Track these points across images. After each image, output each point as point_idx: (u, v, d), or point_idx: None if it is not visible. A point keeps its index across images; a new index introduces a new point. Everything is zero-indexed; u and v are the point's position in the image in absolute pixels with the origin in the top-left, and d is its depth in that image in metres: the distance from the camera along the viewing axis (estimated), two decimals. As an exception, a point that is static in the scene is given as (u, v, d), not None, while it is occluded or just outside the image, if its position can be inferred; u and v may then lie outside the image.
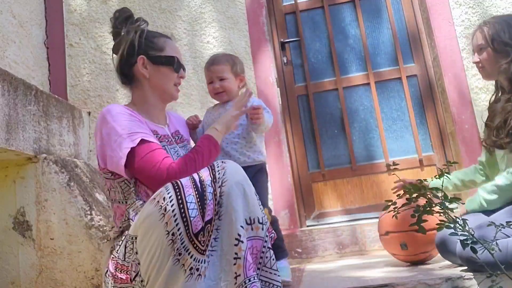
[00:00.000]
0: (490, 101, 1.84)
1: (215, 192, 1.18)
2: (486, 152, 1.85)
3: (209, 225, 1.16)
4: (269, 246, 1.25)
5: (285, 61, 3.16)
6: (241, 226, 1.17)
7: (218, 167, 1.25)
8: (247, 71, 2.92)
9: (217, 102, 1.94)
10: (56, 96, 2.57)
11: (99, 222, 2.08)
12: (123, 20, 1.61)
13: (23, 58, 2.81)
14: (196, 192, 1.18)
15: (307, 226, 2.90)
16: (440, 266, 1.74)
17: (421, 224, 1.19)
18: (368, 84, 3.07)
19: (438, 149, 2.93)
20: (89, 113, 3.01)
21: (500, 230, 1.30)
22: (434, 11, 2.94)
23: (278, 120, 2.89)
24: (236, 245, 1.15)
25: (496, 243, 1.33)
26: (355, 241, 2.67)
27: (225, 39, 3.06)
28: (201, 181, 1.21)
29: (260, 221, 1.21)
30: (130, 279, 1.27)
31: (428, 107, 2.99)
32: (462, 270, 1.56)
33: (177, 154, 1.54)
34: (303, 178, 2.99)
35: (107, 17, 3.16)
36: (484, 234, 1.40)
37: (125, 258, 1.31)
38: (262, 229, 1.21)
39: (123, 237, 1.36)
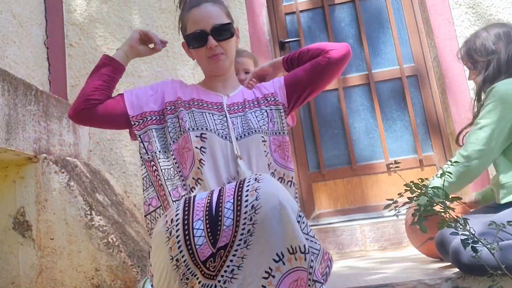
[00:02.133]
0: (473, 103, 1.94)
1: (237, 219, 1.06)
2: None
3: (222, 251, 1.06)
4: (317, 278, 1.06)
5: (285, 61, 3.16)
6: (274, 260, 1.03)
7: (248, 187, 1.10)
8: (247, 71, 2.92)
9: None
10: (56, 96, 2.57)
11: (99, 222, 2.08)
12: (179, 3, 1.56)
13: (23, 58, 2.81)
14: (208, 217, 1.09)
15: (307, 226, 2.89)
16: (440, 266, 1.74)
17: None
18: (368, 84, 3.07)
19: (438, 149, 2.93)
20: (89, 113, 3.01)
21: (502, 230, 1.30)
22: (434, 11, 2.94)
23: (278, 120, 2.89)
24: (265, 278, 1.03)
25: (498, 242, 1.33)
26: (355, 241, 2.67)
27: (225, 39, 3.05)
28: (218, 204, 1.10)
29: (303, 250, 1.04)
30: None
31: (428, 107, 2.99)
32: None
33: (212, 121, 1.40)
34: (303, 178, 2.99)
35: (107, 17, 3.17)
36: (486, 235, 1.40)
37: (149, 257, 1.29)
38: (305, 259, 1.04)
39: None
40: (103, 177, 2.67)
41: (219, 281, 1.05)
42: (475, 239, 1.17)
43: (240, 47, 3.03)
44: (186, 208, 1.11)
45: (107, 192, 2.50)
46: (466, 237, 1.19)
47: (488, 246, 1.18)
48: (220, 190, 1.14)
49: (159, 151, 1.39)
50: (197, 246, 1.06)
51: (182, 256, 1.06)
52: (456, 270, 1.57)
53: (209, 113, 1.42)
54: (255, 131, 1.39)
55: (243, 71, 1.86)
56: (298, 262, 1.03)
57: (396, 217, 1.49)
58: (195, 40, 1.44)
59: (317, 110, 3.08)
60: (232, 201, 1.08)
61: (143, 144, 1.41)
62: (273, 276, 1.02)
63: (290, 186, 1.43)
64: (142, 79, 3.03)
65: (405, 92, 3.02)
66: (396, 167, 1.34)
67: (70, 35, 3.17)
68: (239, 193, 1.09)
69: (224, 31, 1.44)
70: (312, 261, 1.05)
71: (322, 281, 1.07)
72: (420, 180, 1.20)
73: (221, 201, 1.10)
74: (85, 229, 2.07)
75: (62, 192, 2.11)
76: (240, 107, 1.47)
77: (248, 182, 1.11)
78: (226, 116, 1.42)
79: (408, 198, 1.27)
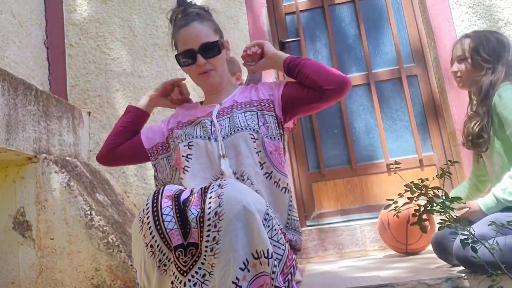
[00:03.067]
0: (467, 112, 1.90)
1: (201, 225, 1.07)
2: (475, 160, 1.93)
3: (193, 248, 1.07)
4: (279, 284, 1.05)
5: (285, 61, 3.16)
6: (240, 268, 1.03)
7: (211, 193, 1.11)
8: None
9: None
10: (56, 96, 2.57)
11: (99, 222, 2.08)
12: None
13: (23, 58, 2.81)
14: (177, 207, 1.11)
15: (307, 226, 2.90)
16: (440, 266, 1.74)
17: None
18: (368, 84, 3.07)
19: (438, 149, 2.93)
20: (89, 113, 3.01)
21: (500, 230, 1.30)
22: (434, 11, 2.94)
23: (278, 120, 2.89)
24: None
25: (497, 242, 1.33)
26: (355, 241, 2.67)
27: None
28: (185, 200, 1.13)
29: (266, 254, 1.04)
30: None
31: (428, 107, 2.99)
32: (461, 271, 1.56)
33: (200, 129, 1.47)
34: (303, 178, 2.99)
35: (107, 17, 3.17)
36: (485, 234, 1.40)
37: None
38: (268, 264, 1.04)
39: None
40: (103, 177, 2.67)
41: (189, 280, 1.05)
42: (475, 238, 1.17)
43: (240, 47, 3.04)
44: (155, 197, 1.14)
45: (107, 192, 2.50)
46: (455, 230, 1.19)
47: (487, 245, 1.18)
48: (191, 191, 1.18)
49: (167, 177, 1.52)
50: (167, 230, 1.08)
51: (155, 241, 1.09)
52: (456, 270, 1.57)
53: (199, 123, 1.50)
54: (242, 128, 1.42)
55: (233, 75, 1.97)
56: (262, 267, 1.04)
57: (396, 217, 1.49)
58: (185, 59, 1.52)
59: (317, 110, 3.08)
60: (199, 203, 1.11)
61: (156, 173, 1.56)
62: (240, 287, 1.02)
63: (285, 193, 1.42)
64: (142, 79, 3.03)
65: (405, 92, 3.02)
66: (396, 167, 1.34)
67: (70, 35, 3.17)
68: (204, 199, 1.11)
69: (212, 49, 1.51)
70: (275, 266, 1.05)
71: (283, 287, 1.07)
72: (420, 181, 1.20)
73: (189, 199, 1.13)
74: (85, 229, 2.07)
75: (62, 192, 2.11)
76: (229, 109, 1.52)
77: (212, 188, 1.12)
78: (212, 120, 1.48)
79: (408, 198, 1.27)
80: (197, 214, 1.08)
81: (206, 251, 1.06)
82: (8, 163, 2.14)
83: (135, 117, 1.66)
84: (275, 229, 1.14)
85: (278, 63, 1.54)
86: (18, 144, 2.02)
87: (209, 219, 1.06)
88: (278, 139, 1.46)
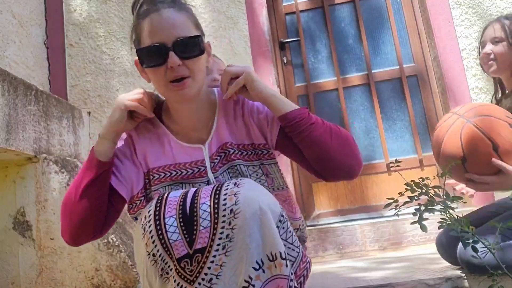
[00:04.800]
0: (491, 101, 1.83)
1: (215, 221, 0.99)
2: None
3: (199, 255, 0.99)
4: (296, 286, 1.00)
5: (285, 61, 3.16)
6: (254, 268, 0.97)
7: (226, 190, 1.01)
8: (247, 71, 2.92)
9: None
10: (56, 96, 2.57)
11: (99, 222, 2.08)
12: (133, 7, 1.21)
13: (23, 58, 2.81)
14: (181, 215, 1.01)
15: (307, 226, 2.89)
16: (440, 266, 1.74)
17: None
18: (368, 84, 3.07)
19: (438, 149, 2.93)
20: (89, 113, 3.01)
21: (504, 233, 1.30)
22: (434, 11, 2.94)
23: (278, 120, 2.89)
24: (245, 287, 0.97)
25: (498, 242, 1.33)
26: (355, 242, 2.66)
27: (225, 39, 3.06)
28: (193, 204, 1.01)
29: (283, 256, 0.98)
30: None
31: (428, 107, 2.99)
32: (462, 271, 1.56)
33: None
34: (303, 178, 2.99)
35: (107, 17, 3.17)
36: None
37: None
38: (286, 265, 0.98)
39: None
40: (103, 177, 2.66)
41: None
42: (475, 238, 1.17)
43: (240, 47, 3.04)
44: (158, 205, 1.03)
45: (107, 192, 2.49)
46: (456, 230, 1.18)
47: (489, 246, 1.18)
48: (195, 191, 1.05)
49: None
50: (171, 241, 0.99)
51: (158, 251, 1.00)
52: (456, 270, 1.57)
53: (190, 184, 1.19)
54: (246, 177, 1.19)
55: (217, 71, 1.57)
56: (277, 269, 0.98)
57: (396, 216, 1.49)
58: (151, 57, 1.11)
59: (317, 110, 3.08)
60: (208, 203, 1.00)
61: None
62: (253, 286, 0.97)
63: (297, 232, 1.32)
64: (142, 79, 3.02)
65: (405, 92, 3.02)
66: (397, 165, 1.33)
67: (70, 35, 3.17)
68: (217, 196, 1.01)
69: (192, 46, 1.11)
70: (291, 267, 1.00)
71: None
72: (421, 179, 1.20)
73: (196, 202, 1.01)
74: (85, 229, 2.07)
75: (62, 192, 2.11)
76: (224, 155, 1.21)
77: (227, 186, 1.03)
78: (209, 180, 1.20)
79: (408, 197, 1.27)
80: (210, 211, 0.99)
81: (217, 250, 0.99)
82: (8, 163, 2.14)
83: (104, 177, 1.15)
84: (290, 231, 1.09)
85: (273, 106, 1.17)
86: (18, 144, 2.02)
87: (224, 216, 0.99)
88: (286, 187, 1.27)
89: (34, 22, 3.03)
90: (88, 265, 2.05)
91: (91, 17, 3.19)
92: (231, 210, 0.98)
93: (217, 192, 1.02)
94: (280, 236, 1.02)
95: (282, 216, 1.07)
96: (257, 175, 1.22)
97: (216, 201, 1.00)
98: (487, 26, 1.78)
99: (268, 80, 2.96)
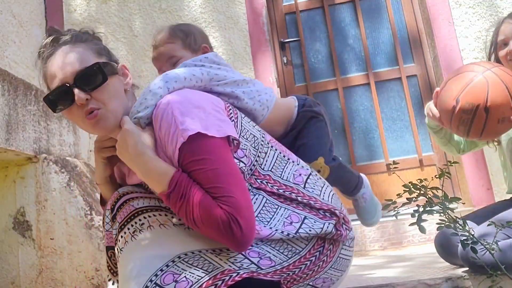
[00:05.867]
0: None
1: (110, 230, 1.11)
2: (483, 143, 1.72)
3: (111, 251, 1.13)
4: None
5: (285, 61, 3.16)
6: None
7: (129, 230, 1.04)
8: (248, 72, 2.93)
9: None
10: (56, 96, 2.57)
11: (99, 222, 2.08)
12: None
13: (23, 58, 2.81)
14: (110, 212, 1.10)
15: (307, 226, 2.89)
16: (440, 266, 1.74)
17: None
18: (368, 84, 3.07)
19: (438, 149, 2.93)
20: (89, 113, 3.01)
21: (500, 230, 1.30)
22: (434, 11, 2.94)
23: (278, 120, 2.89)
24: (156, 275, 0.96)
25: (496, 243, 1.33)
26: (355, 241, 2.66)
27: (225, 39, 3.06)
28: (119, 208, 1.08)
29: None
30: None
31: (428, 107, 2.99)
32: (462, 271, 1.56)
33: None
34: (303, 178, 2.98)
35: (107, 17, 3.17)
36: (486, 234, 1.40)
37: None
38: None
39: None
40: (103, 177, 2.66)
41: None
42: (475, 239, 1.17)
43: (240, 47, 3.04)
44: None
45: (107, 192, 2.49)
46: (455, 231, 1.19)
47: (487, 246, 1.18)
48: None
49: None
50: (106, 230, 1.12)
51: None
52: (456, 270, 1.57)
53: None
54: None
55: (169, 61, 1.31)
56: None
57: (395, 217, 1.49)
58: (59, 100, 1.04)
59: (317, 110, 3.08)
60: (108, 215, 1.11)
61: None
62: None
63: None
64: (142, 79, 3.03)
65: (405, 92, 3.02)
66: (394, 167, 1.33)
67: (70, 35, 3.17)
68: (125, 223, 1.04)
69: (93, 76, 1.03)
70: None
71: None
72: (419, 181, 1.20)
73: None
74: (85, 229, 2.07)
75: (62, 192, 2.11)
76: None
77: (129, 227, 1.05)
78: None
79: (407, 199, 1.27)
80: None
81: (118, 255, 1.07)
82: (8, 163, 2.14)
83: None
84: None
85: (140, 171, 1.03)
86: (18, 144, 2.02)
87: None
88: None
89: (34, 22, 3.03)
90: (88, 265, 2.05)
91: (91, 17, 3.19)
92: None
93: (128, 220, 1.03)
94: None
95: (151, 281, 0.95)
96: None
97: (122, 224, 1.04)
98: (501, 24, 1.67)
99: (268, 80, 2.96)
